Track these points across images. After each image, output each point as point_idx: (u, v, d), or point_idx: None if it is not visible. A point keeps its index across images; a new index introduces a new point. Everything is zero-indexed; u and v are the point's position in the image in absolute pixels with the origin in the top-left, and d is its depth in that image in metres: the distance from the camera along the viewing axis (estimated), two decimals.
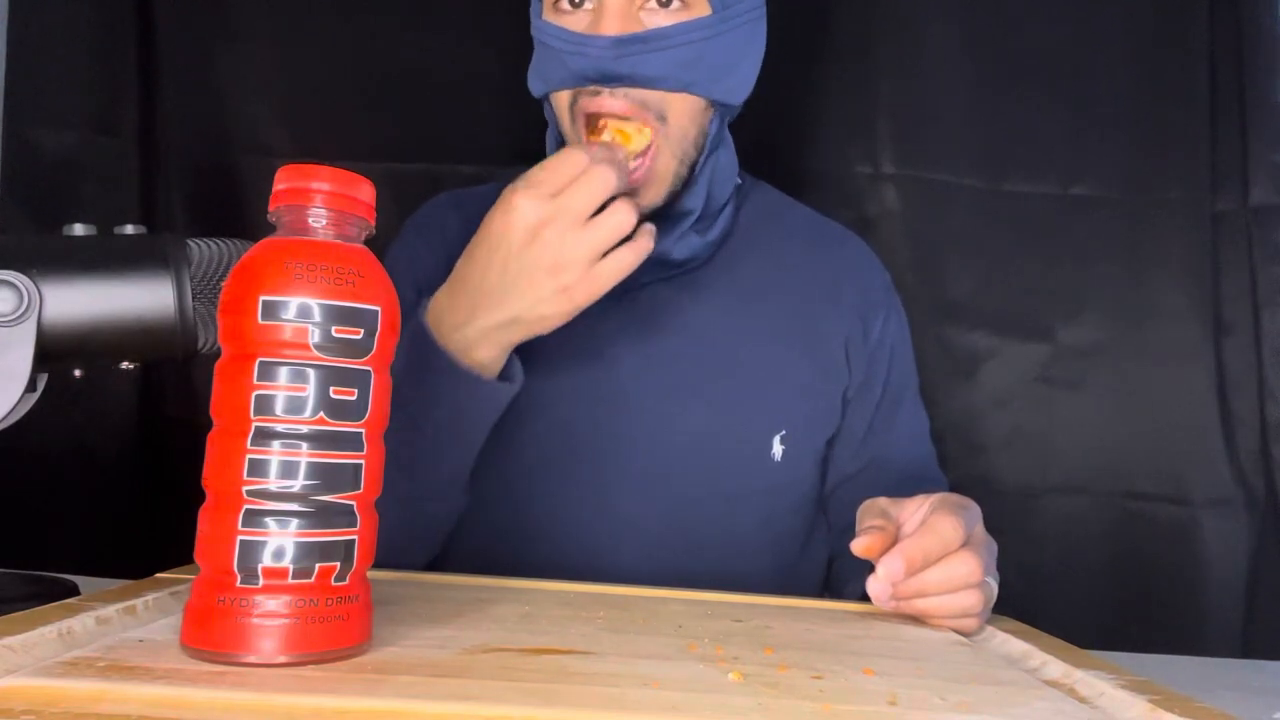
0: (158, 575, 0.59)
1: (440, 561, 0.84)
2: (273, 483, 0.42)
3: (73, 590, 0.75)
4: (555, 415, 0.83)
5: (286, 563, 0.42)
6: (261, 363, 0.42)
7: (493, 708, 0.39)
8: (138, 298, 0.53)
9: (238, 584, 0.42)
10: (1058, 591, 1.24)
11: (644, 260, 0.71)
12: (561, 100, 0.79)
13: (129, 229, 0.56)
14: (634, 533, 0.84)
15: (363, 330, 0.43)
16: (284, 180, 0.44)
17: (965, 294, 1.29)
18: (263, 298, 0.42)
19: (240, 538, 0.42)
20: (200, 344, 0.56)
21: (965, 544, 0.64)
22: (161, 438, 1.35)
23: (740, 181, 0.91)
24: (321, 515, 0.42)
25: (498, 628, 0.53)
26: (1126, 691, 0.48)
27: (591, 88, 0.75)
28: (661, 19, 0.76)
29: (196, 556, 0.44)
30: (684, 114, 0.77)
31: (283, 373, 0.42)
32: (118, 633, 0.47)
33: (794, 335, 0.88)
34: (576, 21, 0.76)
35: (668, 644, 0.52)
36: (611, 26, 0.74)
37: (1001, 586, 0.69)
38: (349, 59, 1.32)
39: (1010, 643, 0.61)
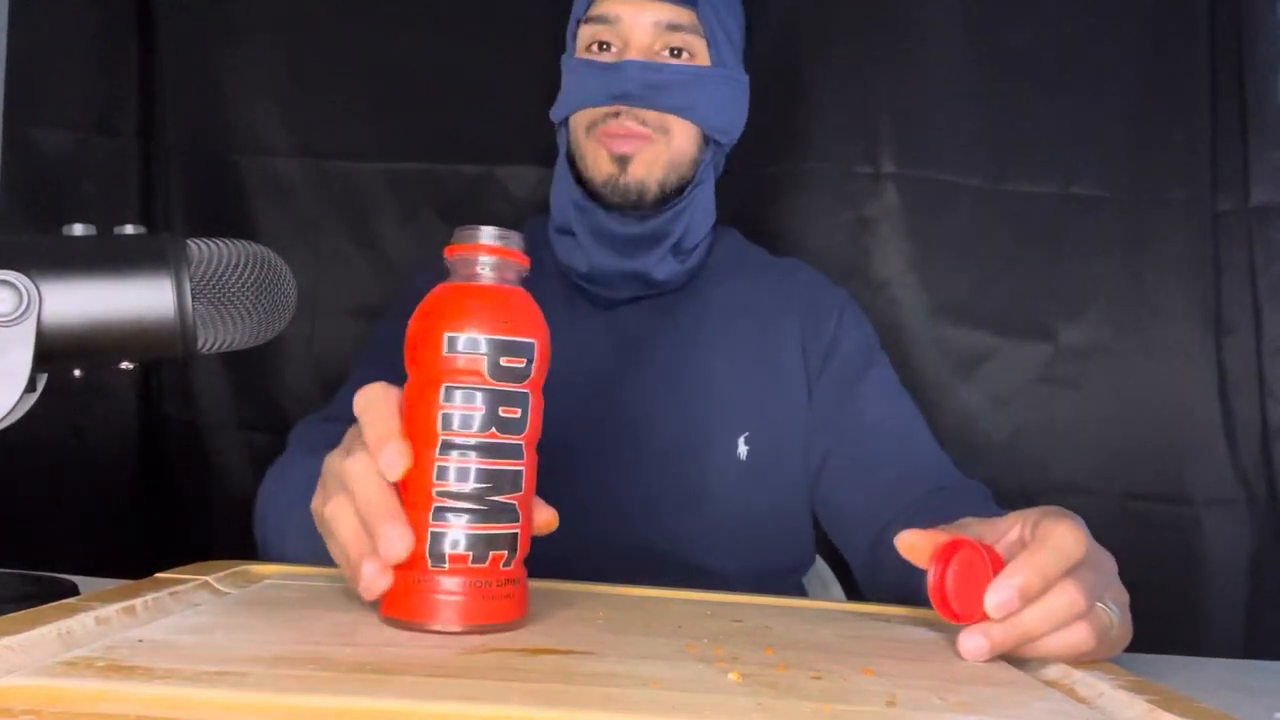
0: (157, 575, 0.59)
1: None
2: (452, 485, 0.50)
3: (72, 590, 0.74)
4: (548, 413, 0.86)
5: (464, 550, 0.50)
6: (446, 387, 0.50)
7: (493, 708, 0.39)
8: (138, 298, 0.53)
9: (428, 567, 0.50)
10: None
11: (626, 278, 0.92)
12: (579, 121, 0.93)
13: (129, 229, 0.55)
14: (613, 526, 0.89)
15: (524, 360, 0.51)
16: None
17: (965, 294, 1.28)
18: (446, 334, 0.50)
19: (431, 530, 0.50)
20: (200, 344, 0.56)
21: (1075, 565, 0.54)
22: (161, 438, 1.35)
23: (713, 231, 1.01)
24: (491, 512, 0.51)
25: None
26: (1126, 691, 0.48)
27: (611, 108, 0.90)
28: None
29: None
30: (683, 135, 0.93)
31: (460, 395, 0.50)
32: (117, 633, 0.47)
33: (754, 348, 0.97)
34: (606, 60, 0.93)
35: (668, 644, 0.52)
36: (637, 58, 0.91)
37: None
38: (350, 59, 1.33)
39: None
